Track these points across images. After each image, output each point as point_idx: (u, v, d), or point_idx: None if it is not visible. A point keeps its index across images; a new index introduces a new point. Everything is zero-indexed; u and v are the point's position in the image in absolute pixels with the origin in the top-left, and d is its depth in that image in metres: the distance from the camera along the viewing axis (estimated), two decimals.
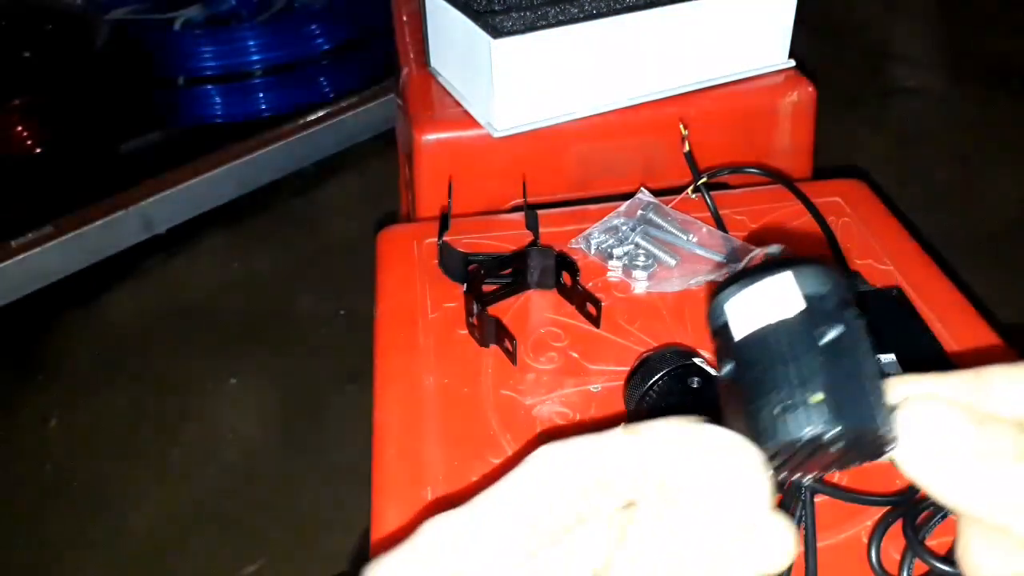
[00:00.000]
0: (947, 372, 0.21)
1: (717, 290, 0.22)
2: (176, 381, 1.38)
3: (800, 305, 0.20)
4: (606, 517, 0.20)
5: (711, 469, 0.19)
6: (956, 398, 0.21)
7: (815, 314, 0.20)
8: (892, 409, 0.20)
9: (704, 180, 0.64)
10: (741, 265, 0.23)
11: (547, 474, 0.20)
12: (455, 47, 0.75)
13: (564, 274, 0.56)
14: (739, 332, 0.21)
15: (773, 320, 0.20)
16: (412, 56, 0.87)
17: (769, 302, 0.20)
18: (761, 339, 0.20)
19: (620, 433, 0.21)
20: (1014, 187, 1.76)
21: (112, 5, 1.95)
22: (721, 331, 0.21)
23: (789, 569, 0.20)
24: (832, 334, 0.20)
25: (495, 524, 0.20)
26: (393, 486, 0.45)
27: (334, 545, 1.12)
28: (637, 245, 0.60)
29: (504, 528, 0.20)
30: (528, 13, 0.72)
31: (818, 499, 0.42)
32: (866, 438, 0.19)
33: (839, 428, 0.19)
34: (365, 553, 0.41)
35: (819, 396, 0.19)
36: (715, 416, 0.23)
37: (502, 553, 0.20)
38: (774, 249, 0.24)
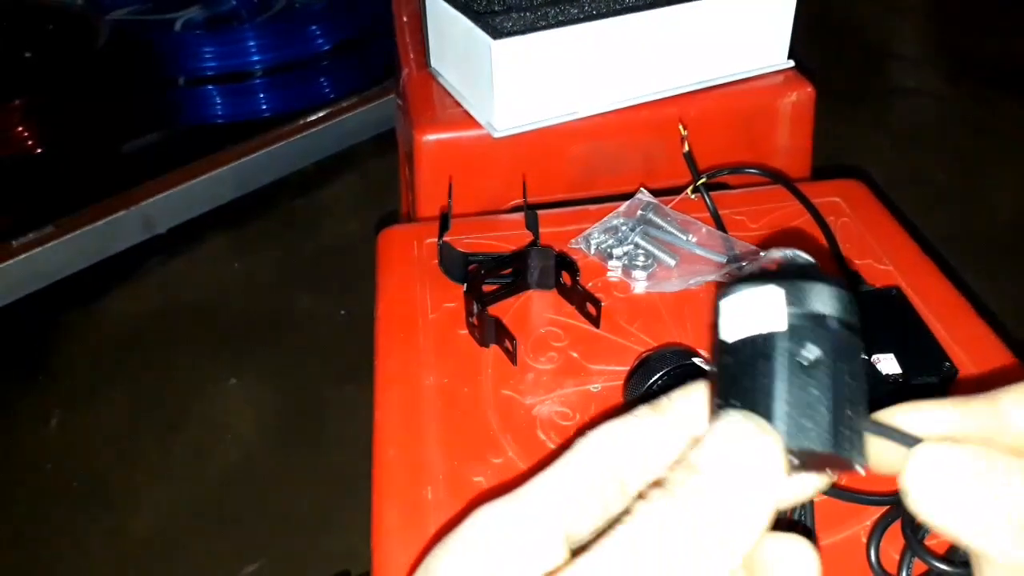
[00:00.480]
0: (959, 400, 0.21)
1: (723, 285, 0.22)
2: (176, 381, 1.38)
3: (782, 325, 0.20)
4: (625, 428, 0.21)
5: (729, 453, 0.20)
6: (970, 431, 0.21)
7: (798, 333, 0.20)
8: (860, 434, 0.20)
9: (704, 180, 0.64)
10: (756, 265, 0.23)
11: (587, 458, 0.21)
12: (455, 47, 0.75)
13: (564, 274, 0.56)
14: (727, 334, 0.21)
15: (758, 331, 0.20)
16: (412, 56, 0.87)
17: (758, 312, 0.21)
18: (742, 346, 0.21)
19: (648, 412, 0.22)
20: (1014, 187, 1.76)
21: (113, 5, 1.95)
22: (713, 327, 0.22)
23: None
24: (810, 356, 0.20)
25: (540, 508, 0.20)
26: (393, 486, 0.45)
27: (334, 545, 1.12)
28: (637, 245, 0.60)
29: (548, 512, 0.20)
30: (528, 14, 0.72)
31: (817, 499, 0.42)
32: (823, 459, 0.20)
33: (787, 446, 0.19)
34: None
35: (776, 412, 0.20)
36: None
37: (548, 537, 0.20)
38: (791, 254, 0.24)
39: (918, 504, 0.19)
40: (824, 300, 0.21)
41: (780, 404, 0.20)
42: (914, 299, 0.54)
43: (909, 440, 0.20)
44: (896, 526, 0.41)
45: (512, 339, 0.51)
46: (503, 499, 0.21)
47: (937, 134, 1.99)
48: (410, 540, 0.42)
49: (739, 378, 0.20)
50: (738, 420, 0.20)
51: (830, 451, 0.19)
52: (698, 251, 0.60)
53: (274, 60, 1.90)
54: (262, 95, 1.91)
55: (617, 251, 0.59)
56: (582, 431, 0.22)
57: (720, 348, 0.21)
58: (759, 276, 0.21)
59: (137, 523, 1.17)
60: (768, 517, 0.19)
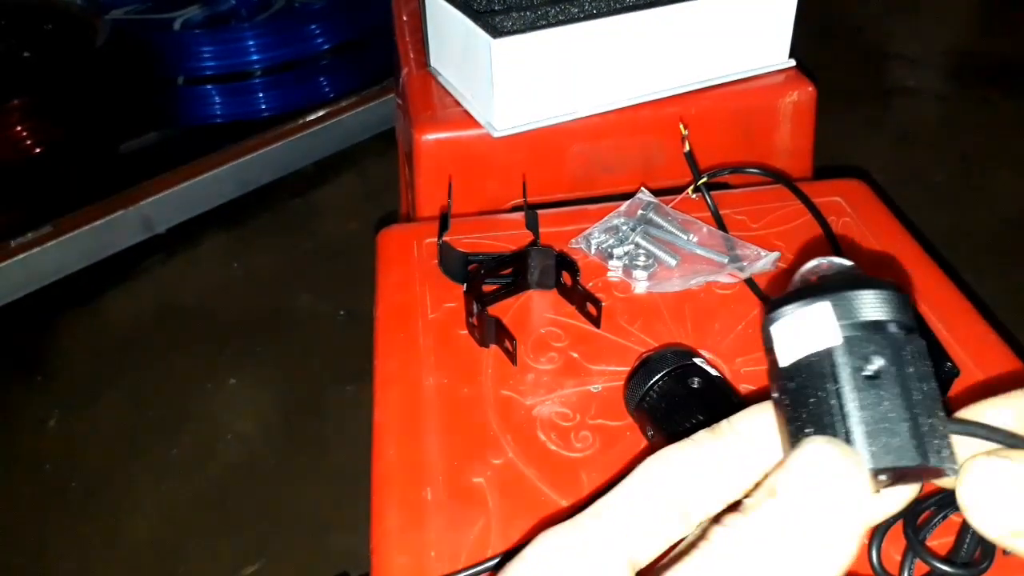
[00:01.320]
0: (999, 399, 0.21)
1: (769, 307, 0.21)
2: (176, 381, 1.38)
3: (838, 339, 0.20)
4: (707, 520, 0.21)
5: (812, 477, 0.19)
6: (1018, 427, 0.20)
7: (855, 345, 0.19)
8: (945, 438, 0.19)
9: (705, 180, 0.63)
10: (797, 280, 0.22)
11: (649, 485, 0.21)
12: (455, 47, 0.75)
13: (564, 274, 0.56)
14: (783, 358, 0.21)
15: (813, 350, 0.20)
16: (412, 56, 0.87)
17: (810, 331, 0.20)
18: (801, 368, 0.20)
19: (707, 437, 0.21)
20: (1014, 187, 1.76)
21: (112, 5, 1.95)
22: (769, 353, 0.21)
23: None
24: (873, 367, 0.19)
25: (604, 535, 0.20)
26: (393, 486, 0.45)
27: (334, 545, 1.12)
28: (637, 245, 0.59)
29: (612, 539, 0.20)
30: (528, 13, 0.72)
31: None
32: (912, 472, 0.19)
33: (873, 467, 0.19)
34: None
35: (854, 434, 0.19)
36: (713, 416, 0.23)
37: (612, 563, 0.20)
38: (827, 262, 0.23)
39: (971, 516, 0.19)
40: (875, 305, 0.20)
41: (856, 425, 0.19)
42: (915, 299, 0.53)
43: (1000, 435, 0.20)
44: (898, 527, 0.40)
45: (512, 339, 0.51)
46: (567, 524, 0.20)
47: (937, 134, 1.99)
48: (410, 541, 0.42)
49: (806, 402, 0.20)
50: (821, 444, 0.19)
51: (918, 464, 0.19)
52: (699, 251, 0.60)
53: (273, 60, 1.90)
54: (261, 95, 1.91)
55: (618, 251, 0.59)
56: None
57: (780, 375, 0.21)
58: (803, 292, 0.20)
59: (137, 523, 1.17)
60: (857, 541, 0.18)
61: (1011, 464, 0.19)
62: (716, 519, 0.19)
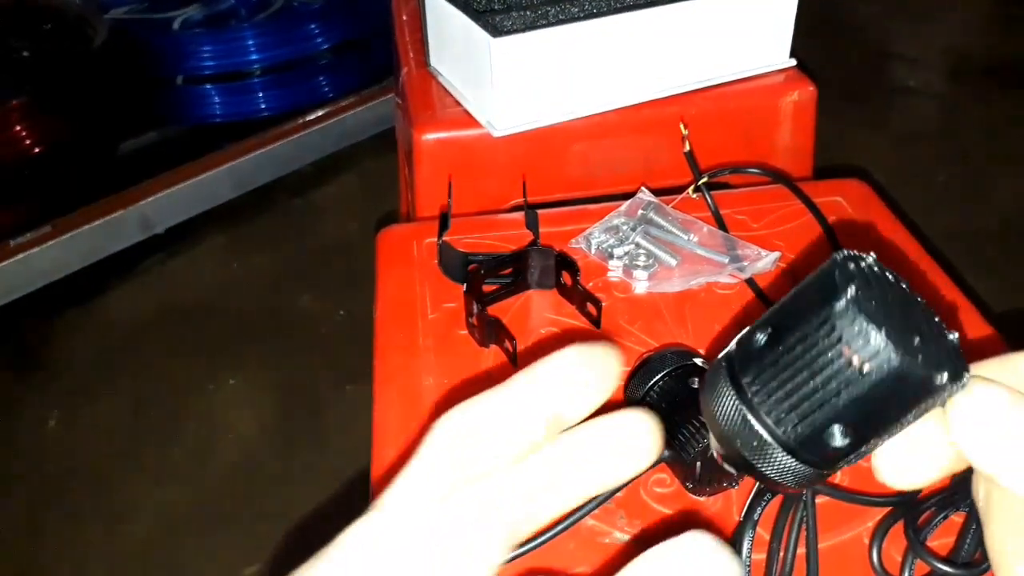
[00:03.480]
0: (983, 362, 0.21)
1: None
2: (176, 381, 1.38)
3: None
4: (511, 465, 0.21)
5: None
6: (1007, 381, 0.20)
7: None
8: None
9: (705, 180, 0.63)
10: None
11: (448, 444, 0.20)
12: (455, 46, 0.75)
13: (564, 274, 0.56)
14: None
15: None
16: (412, 56, 0.87)
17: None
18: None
19: (521, 380, 0.21)
20: (1014, 187, 1.76)
21: (111, 5, 1.95)
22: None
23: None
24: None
25: (406, 521, 0.20)
26: None
27: None
28: (637, 245, 0.59)
29: (416, 522, 0.20)
30: (528, 12, 0.72)
31: (819, 500, 0.41)
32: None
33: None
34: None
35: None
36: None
37: (415, 545, 0.20)
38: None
39: (960, 437, 0.19)
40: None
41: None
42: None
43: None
44: (898, 527, 0.40)
45: (512, 339, 0.51)
46: (369, 512, 0.21)
47: (937, 134, 1.99)
48: None
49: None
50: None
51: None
52: (699, 251, 0.59)
53: (273, 59, 1.90)
54: (261, 94, 1.91)
55: (618, 251, 0.59)
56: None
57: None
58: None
59: (137, 523, 1.17)
60: None
61: (1007, 394, 0.19)
62: None
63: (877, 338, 0.16)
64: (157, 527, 1.16)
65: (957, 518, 0.40)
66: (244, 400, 1.35)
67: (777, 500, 0.41)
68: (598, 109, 0.73)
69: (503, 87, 0.68)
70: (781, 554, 0.40)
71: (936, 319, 0.18)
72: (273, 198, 1.79)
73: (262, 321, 1.50)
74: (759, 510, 0.40)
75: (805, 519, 0.40)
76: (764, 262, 0.57)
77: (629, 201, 0.63)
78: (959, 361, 0.18)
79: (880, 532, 0.40)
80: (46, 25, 1.73)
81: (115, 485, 1.22)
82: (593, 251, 0.60)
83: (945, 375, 0.17)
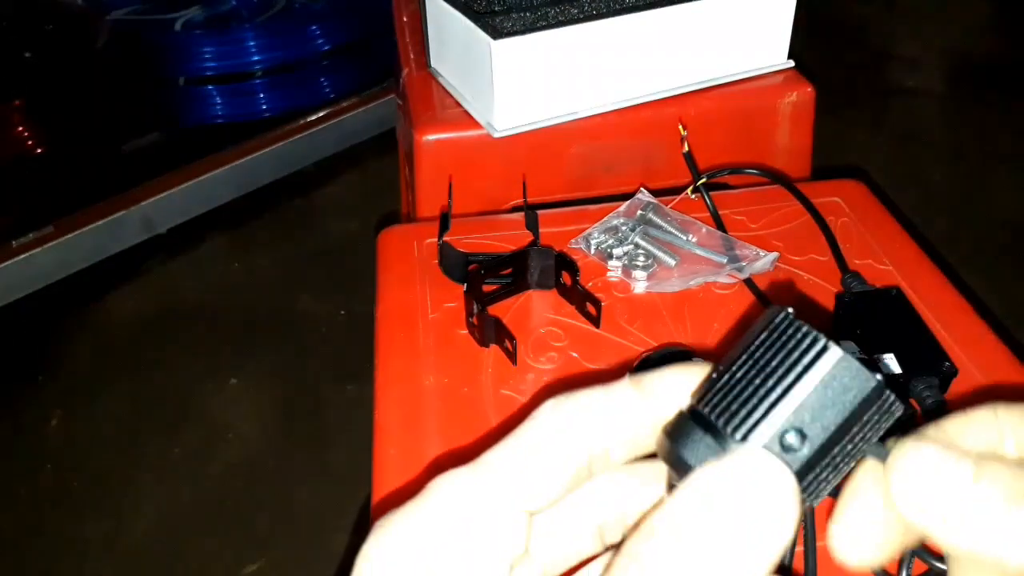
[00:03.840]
0: (915, 435, 0.21)
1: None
2: (176, 381, 1.38)
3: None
4: (613, 471, 0.21)
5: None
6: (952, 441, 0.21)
7: None
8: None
9: (704, 180, 0.64)
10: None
11: (555, 427, 0.20)
12: (455, 48, 0.75)
13: (564, 274, 0.56)
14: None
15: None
16: (412, 56, 0.87)
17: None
18: None
19: (627, 385, 0.21)
20: (1014, 187, 1.76)
21: (113, 5, 1.95)
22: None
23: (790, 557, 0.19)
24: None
25: (503, 476, 0.20)
26: (393, 486, 0.45)
27: (334, 545, 1.12)
28: (637, 245, 0.60)
29: (512, 480, 0.20)
30: (528, 14, 0.72)
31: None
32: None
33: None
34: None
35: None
36: None
37: (510, 505, 0.20)
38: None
39: (900, 505, 0.19)
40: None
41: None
42: (914, 299, 0.54)
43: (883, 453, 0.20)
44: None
45: (512, 339, 0.51)
46: (466, 468, 0.20)
47: (937, 134, 1.99)
48: None
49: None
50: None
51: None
52: (698, 251, 0.60)
53: (274, 60, 1.90)
54: (262, 95, 1.92)
55: (617, 251, 0.59)
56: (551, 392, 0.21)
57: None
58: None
59: (137, 523, 1.17)
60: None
61: (939, 450, 0.19)
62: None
63: (869, 377, 0.18)
64: (158, 527, 1.16)
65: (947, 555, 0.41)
66: (245, 400, 1.35)
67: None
68: (598, 110, 0.73)
69: (503, 88, 0.68)
70: None
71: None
72: (274, 199, 1.80)
73: (263, 321, 1.50)
74: None
75: (804, 518, 0.40)
76: (762, 262, 0.58)
77: (628, 202, 0.63)
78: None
79: None
80: (48, 26, 1.73)
81: (116, 485, 1.22)
82: (592, 251, 0.60)
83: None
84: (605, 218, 0.62)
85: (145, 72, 1.87)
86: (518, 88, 0.69)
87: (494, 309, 0.55)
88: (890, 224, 0.63)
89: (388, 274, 0.61)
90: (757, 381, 0.19)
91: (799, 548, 0.40)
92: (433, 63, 0.82)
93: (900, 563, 0.39)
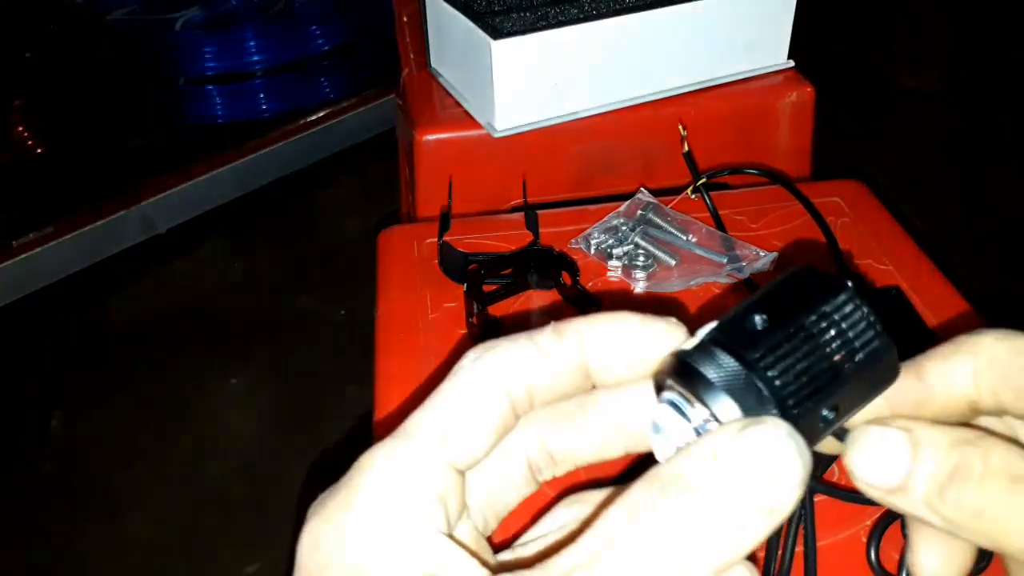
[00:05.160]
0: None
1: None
2: (176, 381, 1.38)
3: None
4: (537, 414, 0.21)
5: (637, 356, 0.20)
6: (900, 407, 0.21)
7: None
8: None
9: (704, 180, 0.64)
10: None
11: (475, 379, 0.20)
12: (455, 48, 0.76)
13: (564, 274, 0.56)
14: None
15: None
16: (412, 57, 0.87)
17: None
18: None
19: (548, 331, 0.21)
20: (1014, 187, 1.76)
21: (113, 5, 1.95)
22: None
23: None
24: None
25: (428, 439, 0.20)
26: None
27: None
28: (637, 245, 0.60)
29: (437, 441, 0.20)
30: (528, 14, 0.72)
31: (817, 499, 0.42)
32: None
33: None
34: None
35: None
36: None
37: (439, 467, 0.20)
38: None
39: (856, 482, 0.20)
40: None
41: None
42: (914, 299, 0.54)
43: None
44: (896, 526, 0.41)
45: None
46: (390, 439, 0.20)
47: (937, 135, 1.99)
48: None
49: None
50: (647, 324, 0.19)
51: None
52: (698, 251, 0.60)
53: (274, 60, 1.90)
54: (262, 95, 1.92)
55: (617, 251, 0.59)
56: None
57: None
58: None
59: (137, 523, 1.17)
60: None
61: (898, 433, 0.20)
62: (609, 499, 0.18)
63: (873, 322, 0.19)
64: (158, 526, 1.16)
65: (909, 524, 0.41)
66: (245, 400, 1.35)
67: None
68: (598, 110, 0.73)
69: (503, 88, 0.68)
70: (779, 552, 0.40)
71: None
72: (274, 199, 1.80)
73: (263, 321, 1.50)
74: None
75: (803, 518, 0.40)
76: (762, 262, 0.58)
77: (628, 202, 0.63)
78: None
79: (878, 531, 0.40)
80: (48, 25, 1.73)
81: (116, 485, 1.22)
82: (592, 251, 0.60)
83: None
84: (605, 218, 0.62)
85: (145, 72, 1.87)
86: (518, 88, 0.69)
87: (494, 309, 0.55)
88: (890, 224, 0.63)
89: (388, 274, 0.61)
90: (814, 355, 0.19)
91: (799, 548, 0.40)
92: (433, 63, 0.82)
93: (899, 562, 0.39)
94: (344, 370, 1.36)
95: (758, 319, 0.19)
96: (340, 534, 0.18)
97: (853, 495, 0.43)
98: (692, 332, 0.21)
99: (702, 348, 0.19)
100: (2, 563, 1.14)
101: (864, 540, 0.41)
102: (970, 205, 1.72)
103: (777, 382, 0.18)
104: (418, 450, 0.20)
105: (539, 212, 0.62)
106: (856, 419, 0.21)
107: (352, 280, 1.51)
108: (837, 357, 0.19)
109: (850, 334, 0.19)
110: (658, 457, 0.20)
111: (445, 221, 0.61)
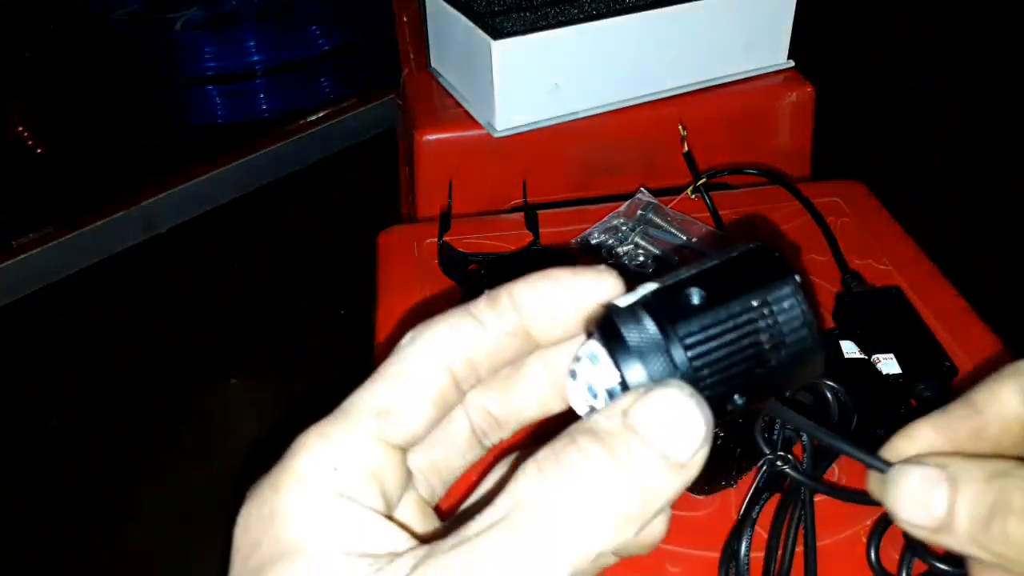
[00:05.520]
0: (940, 413, 0.22)
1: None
2: (176, 381, 1.38)
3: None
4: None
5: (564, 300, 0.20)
6: (954, 439, 0.21)
7: None
8: None
9: (704, 180, 0.64)
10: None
11: (411, 355, 0.21)
12: (456, 48, 0.76)
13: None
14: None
15: None
16: (412, 56, 0.87)
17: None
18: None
19: (481, 301, 0.21)
20: (1014, 187, 1.76)
21: (113, 6, 1.95)
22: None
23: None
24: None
25: (364, 417, 0.20)
26: None
27: None
28: (637, 245, 0.60)
29: (374, 419, 0.20)
30: (528, 14, 0.72)
31: (817, 499, 0.42)
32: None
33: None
34: None
35: None
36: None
37: (376, 445, 0.20)
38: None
39: (900, 523, 0.20)
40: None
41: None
42: (914, 299, 0.54)
43: (878, 463, 0.20)
44: (896, 526, 0.41)
45: None
46: (328, 418, 0.21)
47: (937, 135, 1.99)
48: None
49: None
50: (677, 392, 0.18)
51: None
52: (699, 251, 0.60)
53: (274, 60, 1.90)
54: (262, 95, 1.92)
55: (617, 251, 0.59)
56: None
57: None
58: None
59: (138, 523, 1.17)
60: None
61: (934, 471, 0.19)
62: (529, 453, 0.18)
63: (808, 320, 0.19)
64: (158, 527, 1.17)
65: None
66: (245, 400, 1.35)
67: (776, 499, 0.41)
68: (598, 110, 0.73)
69: (503, 88, 0.68)
70: (779, 553, 0.40)
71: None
72: (274, 198, 1.80)
73: (263, 321, 1.50)
74: (757, 509, 0.40)
75: (803, 518, 0.40)
76: None
77: (628, 202, 0.63)
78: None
79: (878, 530, 0.40)
80: (49, 26, 1.73)
81: (116, 485, 1.22)
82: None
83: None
84: (605, 218, 0.62)
85: (145, 72, 1.87)
86: (518, 88, 0.69)
87: None
88: (890, 224, 0.63)
89: (388, 274, 0.61)
90: (741, 341, 0.19)
91: (799, 548, 0.40)
92: (433, 63, 0.82)
93: (900, 562, 0.39)
94: (344, 370, 1.36)
95: (696, 294, 0.19)
96: (270, 513, 0.19)
97: (853, 495, 0.43)
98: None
99: (633, 310, 0.19)
100: (2, 563, 1.14)
101: (864, 540, 0.41)
102: (970, 205, 1.72)
103: (696, 362, 0.18)
104: (351, 428, 0.20)
105: (539, 212, 0.62)
106: (904, 448, 0.21)
107: (352, 280, 1.51)
108: (763, 348, 0.19)
109: (783, 328, 0.19)
110: (572, 404, 0.20)
111: (445, 221, 0.61)
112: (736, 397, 0.19)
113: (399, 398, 0.20)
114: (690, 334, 0.19)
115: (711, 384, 0.19)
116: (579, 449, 0.17)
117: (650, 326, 0.19)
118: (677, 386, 0.18)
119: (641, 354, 0.19)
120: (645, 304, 0.19)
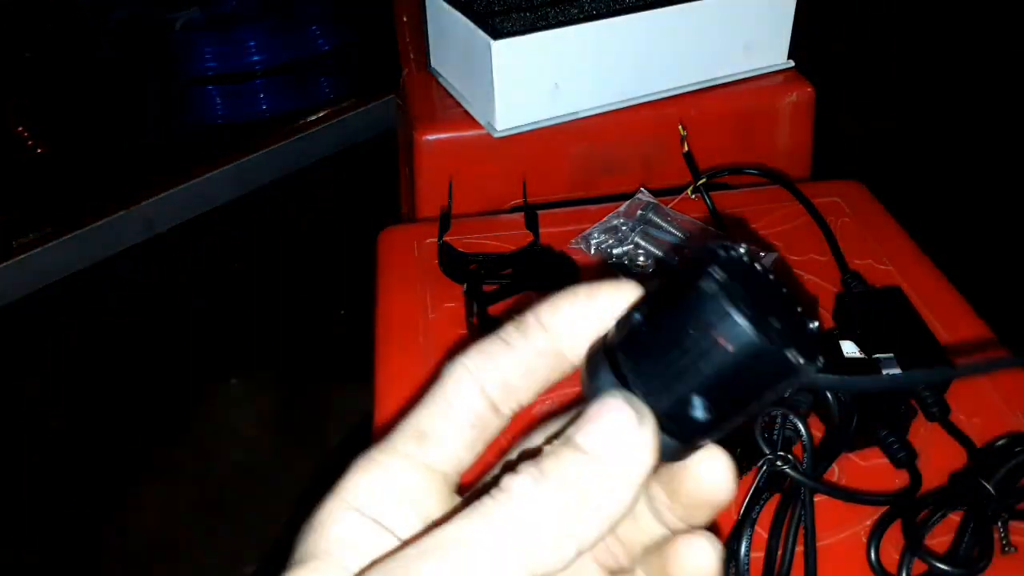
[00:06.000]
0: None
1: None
2: (176, 381, 1.38)
3: None
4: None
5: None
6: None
7: None
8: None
9: (704, 180, 0.64)
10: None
11: (447, 385, 0.21)
12: (456, 48, 0.76)
13: (564, 274, 0.56)
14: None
15: None
16: (412, 57, 0.87)
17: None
18: None
19: (509, 325, 0.22)
20: (1014, 189, 1.76)
21: (113, 5, 1.95)
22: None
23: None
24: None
25: (409, 447, 0.21)
26: None
27: None
28: (637, 245, 0.60)
29: (418, 448, 0.21)
30: (528, 14, 0.72)
31: (817, 499, 0.42)
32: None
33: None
34: None
35: None
36: None
37: (424, 476, 0.20)
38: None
39: None
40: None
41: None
42: (914, 299, 0.54)
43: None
44: (896, 526, 0.41)
45: None
46: (377, 448, 0.21)
47: (937, 135, 1.99)
48: None
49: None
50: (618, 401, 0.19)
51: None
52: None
53: (274, 60, 1.90)
54: (262, 95, 1.92)
55: (617, 251, 0.59)
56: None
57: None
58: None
59: (138, 523, 1.17)
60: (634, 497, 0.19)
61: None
62: (513, 465, 0.19)
63: (738, 319, 0.18)
64: (158, 526, 1.17)
65: (955, 517, 0.41)
66: (245, 400, 1.35)
67: (776, 499, 0.41)
68: (598, 110, 0.73)
69: (503, 88, 0.68)
70: (779, 553, 0.40)
71: (799, 308, 0.20)
72: (274, 198, 1.80)
73: (263, 321, 1.50)
74: (757, 509, 0.40)
75: (803, 518, 0.40)
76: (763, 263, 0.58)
77: (628, 201, 0.63)
78: (815, 345, 0.19)
79: (878, 531, 0.40)
80: (49, 26, 1.73)
81: (116, 485, 1.22)
82: (593, 251, 0.60)
83: (800, 357, 0.18)
84: (605, 218, 0.62)
85: (145, 72, 1.87)
86: (518, 88, 0.69)
87: (494, 309, 0.55)
88: (890, 224, 0.63)
89: (388, 274, 0.61)
90: (674, 351, 0.19)
91: (799, 548, 0.40)
92: (433, 63, 0.82)
93: (900, 562, 0.39)
94: (344, 370, 1.36)
95: (638, 313, 0.20)
96: (316, 522, 0.21)
97: (853, 495, 0.43)
98: None
99: (604, 348, 0.20)
100: (3, 563, 1.14)
101: (864, 540, 0.41)
102: (970, 205, 1.72)
103: (631, 375, 0.19)
104: (394, 452, 0.21)
105: (539, 212, 0.62)
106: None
107: (352, 280, 1.51)
108: (703, 347, 0.19)
109: (716, 327, 0.18)
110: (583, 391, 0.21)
111: (445, 221, 0.61)
112: (696, 401, 0.19)
113: (437, 422, 0.21)
114: (625, 347, 0.20)
115: (653, 390, 0.19)
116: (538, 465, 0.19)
117: (603, 364, 0.20)
118: (610, 395, 0.19)
119: (598, 390, 0.20)
120: (605, 345, 0.21)
